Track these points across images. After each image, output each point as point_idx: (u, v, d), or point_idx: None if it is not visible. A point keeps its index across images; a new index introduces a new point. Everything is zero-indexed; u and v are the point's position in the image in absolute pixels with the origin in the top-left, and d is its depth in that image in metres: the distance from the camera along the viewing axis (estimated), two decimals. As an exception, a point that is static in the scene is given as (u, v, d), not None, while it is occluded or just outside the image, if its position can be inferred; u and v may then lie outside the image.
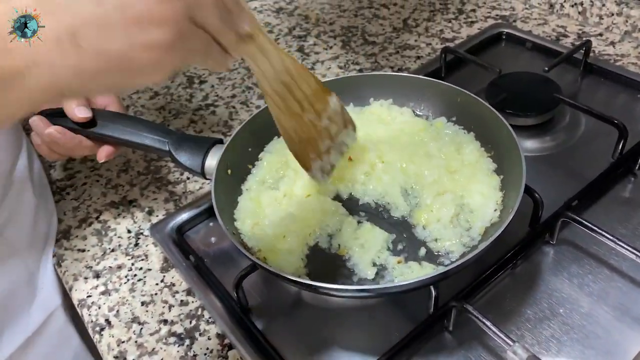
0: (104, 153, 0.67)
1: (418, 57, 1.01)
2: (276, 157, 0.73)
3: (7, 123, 0.37)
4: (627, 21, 0.97)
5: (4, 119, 0.36)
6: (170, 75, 0.38)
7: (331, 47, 1.07)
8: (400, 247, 0.63)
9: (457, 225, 0.62)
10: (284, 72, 0.52)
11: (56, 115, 0.66)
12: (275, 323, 0.62)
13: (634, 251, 0.58)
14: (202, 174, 0.66)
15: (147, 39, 0.34)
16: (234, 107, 0.95)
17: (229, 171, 0.68)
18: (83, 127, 0.66)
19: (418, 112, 0.78)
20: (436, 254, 0.61)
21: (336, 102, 0.60)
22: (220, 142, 0.68)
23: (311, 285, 0.54)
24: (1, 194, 0.65)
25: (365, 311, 0.62)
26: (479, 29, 1.06)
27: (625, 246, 0.58)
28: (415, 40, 1.06)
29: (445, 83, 0.75)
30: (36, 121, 0.64)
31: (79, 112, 0.63)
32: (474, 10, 1.13)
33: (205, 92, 1.00)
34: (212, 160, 0.66)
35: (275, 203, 0.66)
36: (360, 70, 1.00)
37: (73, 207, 0.80)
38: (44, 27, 0.32)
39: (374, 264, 0.60)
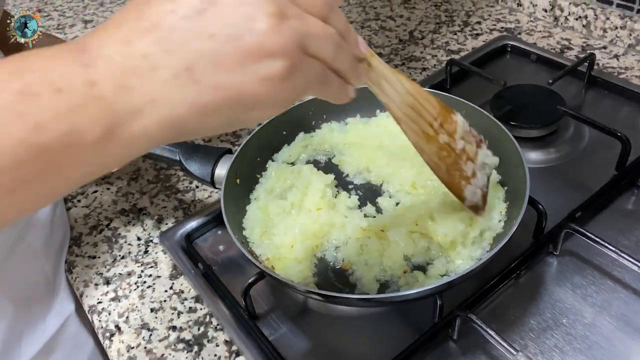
0: None
1: (424, 69, 1.03)
2: (284, 166, 0.74)
3: (122, 163, 0.35)
4: (630, 34, 0.99)
5: (121, 160, 0.35)
6: (287, 107, 0.37)
7: (338, 59, 1.09)
8: (405, 256, 0.63)
9: (475, 242, 0.62)
10: (407, 94, 0.49)
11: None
12: (281, 330, 0.63)
13: (637, 263, 0.58)
14: (212, 183, 0.68)
15: (261, 70, 0.33)
16: (242, 117, 0.97)
17: (238, 180, 0.69)
18: None
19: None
20: (441, 263, 0.62)
21: (464, 121, 0.56)
22: (230, 152, 0.70)
23: (317, 293, 0.56)
24: None
25: (371, 320, 0.63)
26: (484, 41, 1.07)
27: (628, 258, 0.59)
28: (421, 52, 1.07)
29: (450, 95, 0.76)
30: None
31: None
32: (479, 23, 1.14)
33: (214, 102, 1.01)
34: (221, 170, 0.67)
35: (283, 213, 0.67)
36: (367, 82, 1.01)
37: (84, 214, 0.81)
38: (162, 66, 0.32)
39: (377, 280, 0.61)
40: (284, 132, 0.78)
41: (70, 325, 0.72)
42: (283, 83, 0.34)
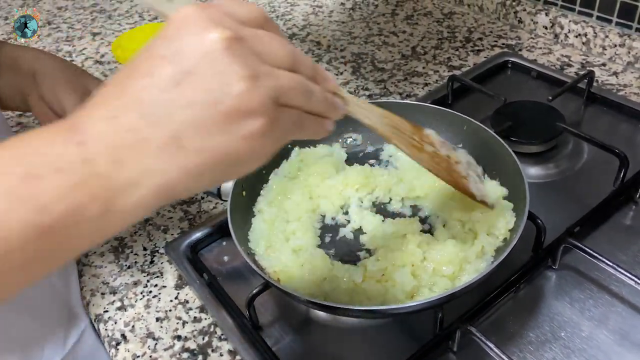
0: None
1: (426, 84, 1.04)
2: (285, 180, 0.76)
3: (122, 230, 0.37)
4: (629, 52, 1.00)
5: (120, 228, 0.36)
6: (271, 156, 0.39)
7: (342, 73, 1.11)
8: (407, 269, 0.64)
9: (478, 257, 0.63)
10: (382, 117, 0.52)
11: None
12: (285, 341, 0.64)
13: (634, 278, 0.59)
14: (219, 195, 0.69)
15: (241, 130, 0.35)
16: (247, 130, 0.98)
17: (244, 193, 0.70)
18: None
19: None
20: (442, 276, 0.63)
21: (434, 132, 0.59)
22: (236, 165, 0.71)
23: (320, 304, 0.57)
24: None
25: (373, 331, 0.64)
26: (485, 57, 1.09)
27: (625, 273, 0.60)
28: (423, 68, 1.09)
29: (451, 111, 0.78)
30: None
31: None
32: (480, 39, 1.16)
33: (220, 115, 1.03)
34: (228, 182, 0.69)
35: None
36: (370, 96, 1.03)
37: (91, 224, 0.83)
38: (149, 138, 0.34)
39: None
40: (289, 145, 0.79)
41: (87, 337, 0.73)
42: (263, 138, 0.36)
